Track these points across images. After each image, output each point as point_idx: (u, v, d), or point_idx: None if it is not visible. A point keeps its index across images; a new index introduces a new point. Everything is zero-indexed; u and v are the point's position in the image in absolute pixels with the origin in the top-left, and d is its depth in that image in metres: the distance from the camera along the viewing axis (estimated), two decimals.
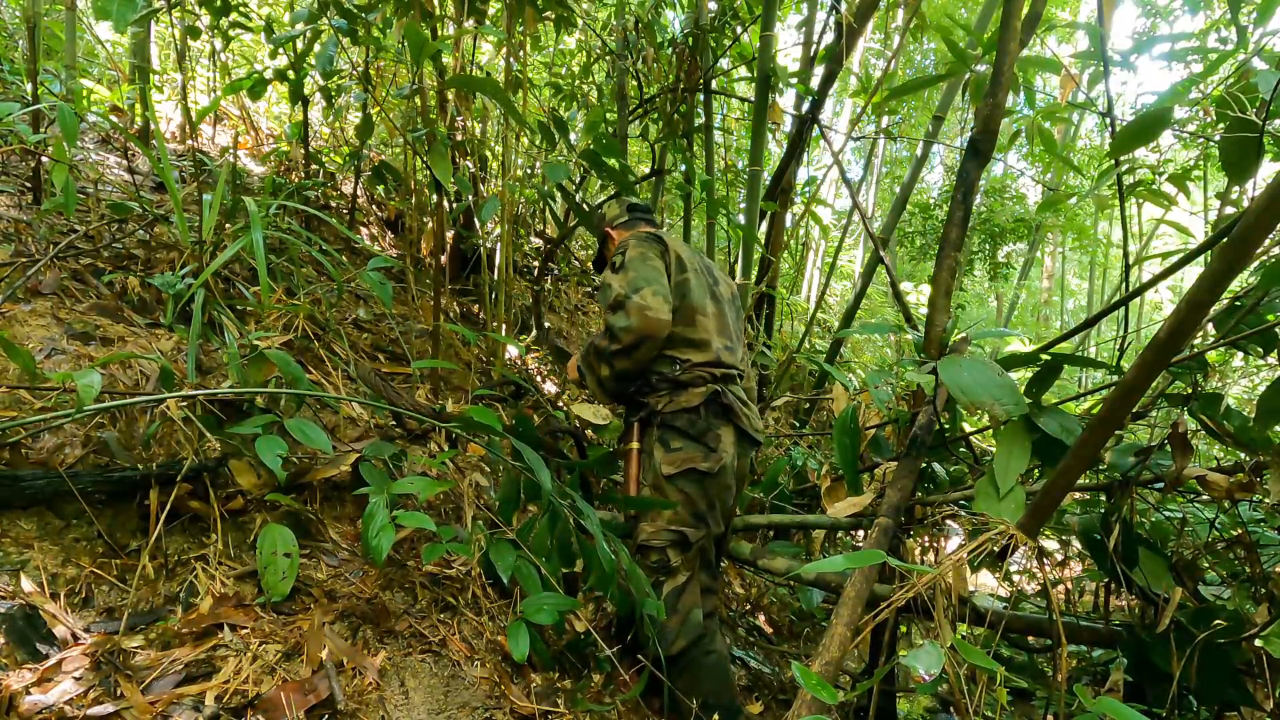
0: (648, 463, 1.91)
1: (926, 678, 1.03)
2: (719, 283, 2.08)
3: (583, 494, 1.92)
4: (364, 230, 3.50)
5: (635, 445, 1.95)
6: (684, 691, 1.70)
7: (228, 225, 2.16)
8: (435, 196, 2.75)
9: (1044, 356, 1.80)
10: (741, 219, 3.59)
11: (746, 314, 3.34)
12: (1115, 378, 1.79)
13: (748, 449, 2.00)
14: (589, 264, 5.33)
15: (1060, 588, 2.38)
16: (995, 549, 1.36)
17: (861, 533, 2.37)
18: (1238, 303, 1.58)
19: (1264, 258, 1.56)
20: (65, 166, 1.82)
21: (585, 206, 3.26)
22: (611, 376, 1.92)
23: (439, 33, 2.51)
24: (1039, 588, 2.58)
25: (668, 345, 1.89)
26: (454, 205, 3.25)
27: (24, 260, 1.89)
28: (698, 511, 1.84)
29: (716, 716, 1.68)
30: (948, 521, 2.03)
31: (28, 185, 2.30)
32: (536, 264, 4.18)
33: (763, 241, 3.66)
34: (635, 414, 1.97)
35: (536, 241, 4.48)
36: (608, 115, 3.47)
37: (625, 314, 1.82)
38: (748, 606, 3.21)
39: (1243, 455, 1.57)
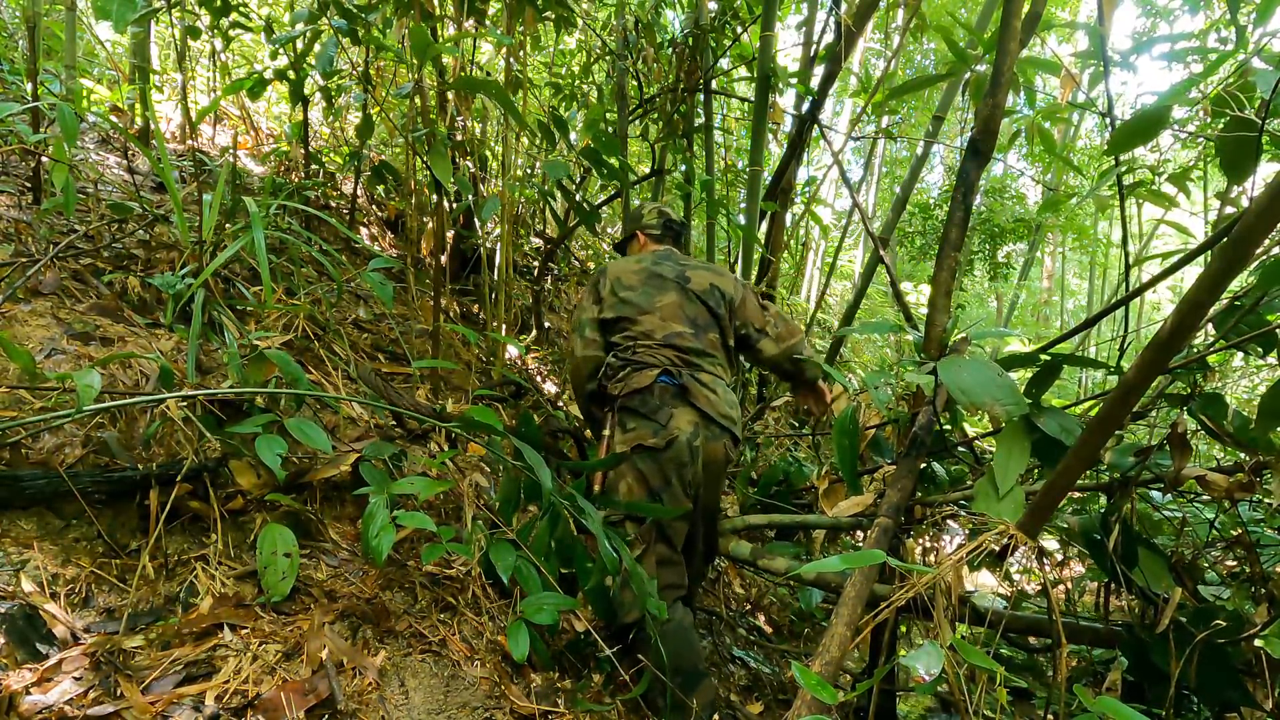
0: (612, 447, 1.99)
1: (926, 678, 1.03)
2: (689, 280, 2.15)
3: (585, 494, 1.92)
4: (364, 230, 3.50)
5: (606, 433, 2.05)
6: (644, 659, 1.73)
7: (228, 225, 2.16)
8: (435, 196, 2.75)
9: (1044, 357, 1.80)
10: (741, 219, 3.59)
11: None
12: (1115, 378, 1.79)
13: (717, 432, 1.98)
14: (589, 264, 5.33)
15: (1060, 588, 2.38)
16: (995, 549, 1.36)
17: (861, 533, 2.37)
18: (1237, 303, 1.58)
19: (1264, 258, 1.56)
20: (65, 166, 1.82)
21: (585, 206, 3.26)
22: (580, 406, 2.26)
23: (439, 33, 2.51)
24: (1039, 588, 2.58)
25: (617, 334, 2.10)
26: (454, 205, 3.25)
27: (24, 260, 1.89)
28: (651, 488, 1.89)
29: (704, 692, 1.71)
30: (947, 521, 2.03)
31: (28, 185, 2.30)
32: (536, 264, 4.18)
33: (763, 241, 3.66)
34: (605, 405, 2.10)
35: (536, 241, 4.48)
36: (608, 115, 3.46)
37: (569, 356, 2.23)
38: (748, 606, 3.21)
39: (1243, 455, 1.57)
